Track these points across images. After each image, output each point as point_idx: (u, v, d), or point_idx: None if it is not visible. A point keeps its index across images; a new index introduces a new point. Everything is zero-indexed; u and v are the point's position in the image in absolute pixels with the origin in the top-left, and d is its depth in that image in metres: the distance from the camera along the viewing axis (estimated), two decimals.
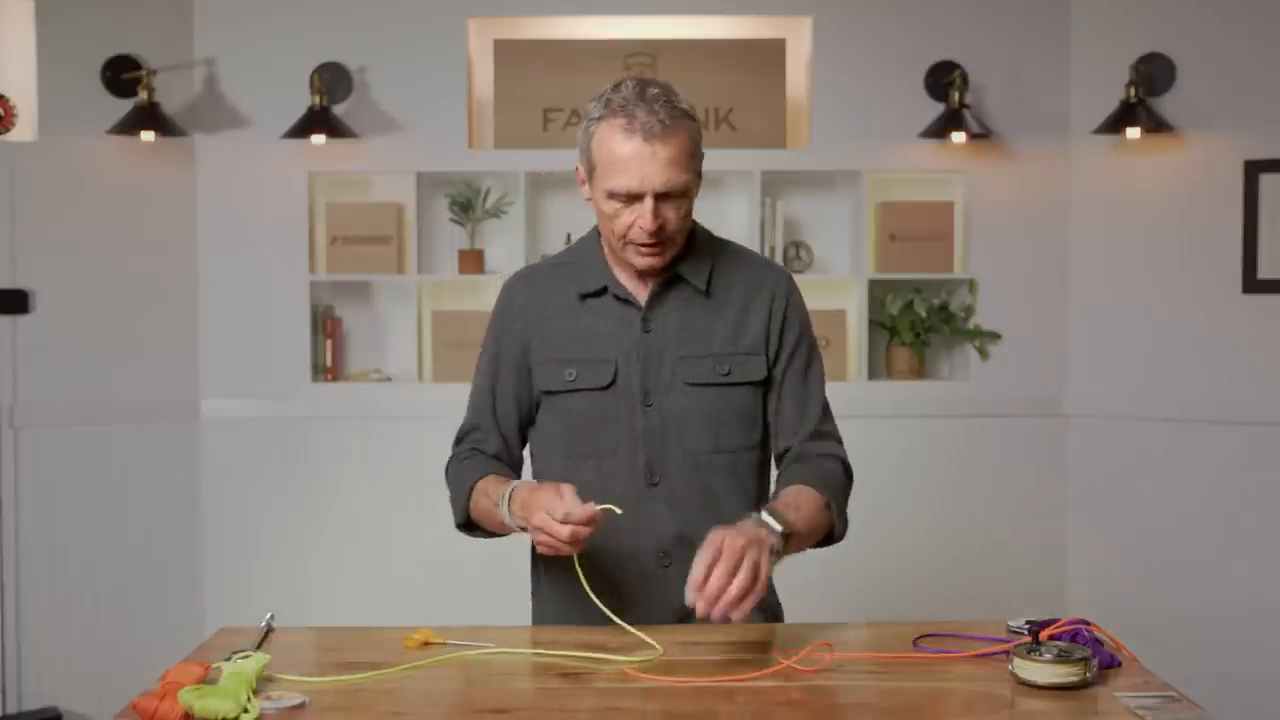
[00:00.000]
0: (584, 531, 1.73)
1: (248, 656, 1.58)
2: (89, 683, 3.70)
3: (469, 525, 2.01)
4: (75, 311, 3.72)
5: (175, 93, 3.84)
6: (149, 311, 3.86)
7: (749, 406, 2.00)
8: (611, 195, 1.88)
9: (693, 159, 1.90)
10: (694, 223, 2.01)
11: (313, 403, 3.95)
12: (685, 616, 1.98)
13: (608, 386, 1.97)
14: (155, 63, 3.78)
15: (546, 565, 2.07)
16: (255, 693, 1.51)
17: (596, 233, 2.05)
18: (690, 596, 1.65)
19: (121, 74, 3.73)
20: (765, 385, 2.01)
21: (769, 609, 2.06)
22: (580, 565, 1.81)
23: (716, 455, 1.98)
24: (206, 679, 1.54)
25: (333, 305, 4.07)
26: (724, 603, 1.64)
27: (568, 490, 1.75)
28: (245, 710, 1.46)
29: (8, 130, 3.55)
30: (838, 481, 1.98)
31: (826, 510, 1.92)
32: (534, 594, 2.13)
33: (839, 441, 2.05)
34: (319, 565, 3.93)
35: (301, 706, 1.51)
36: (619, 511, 1.77)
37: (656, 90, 1.88)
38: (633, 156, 1.84)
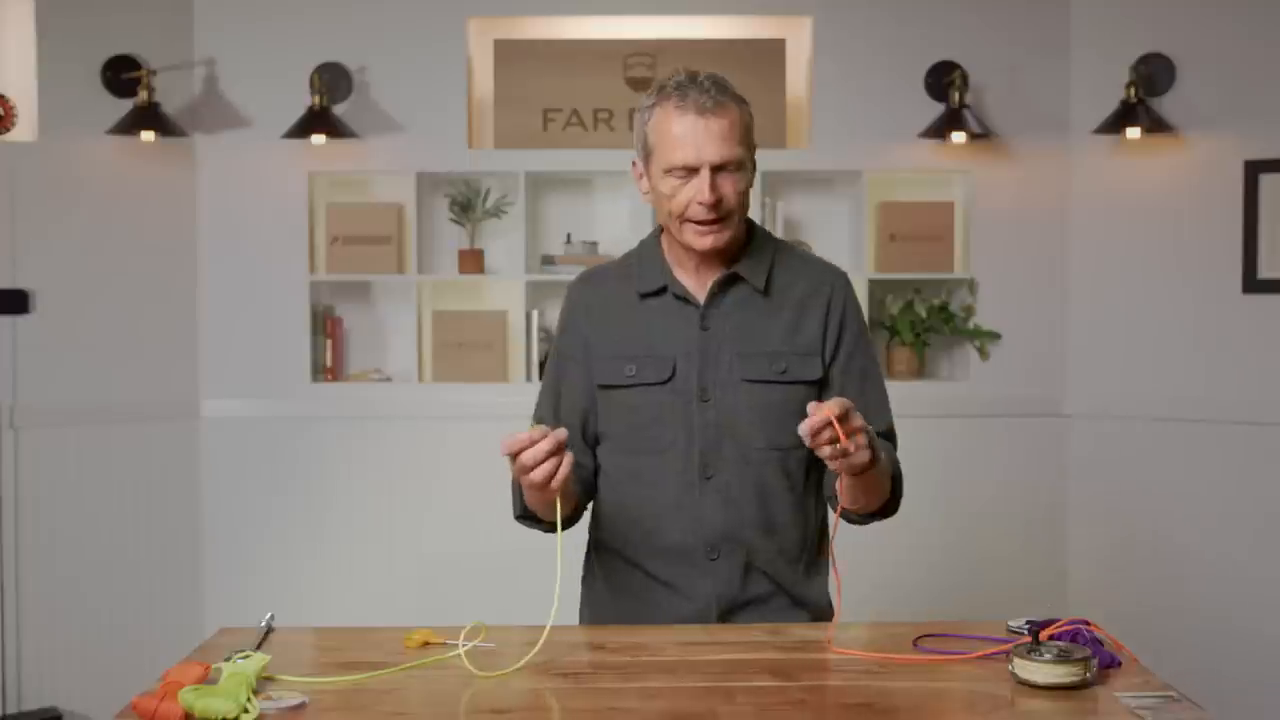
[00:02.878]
0: (542, 449, 1.71)
1: (248, 656, 1.58)
2: (89, 683, 3.70)
3: (530, 516, 2.01)
4: (75, 311, 3.72)
5: (175, 93, 3.84)
6: (149, 311, 3.86)
7: (803, 405, 2.00)
8: (669, 171, 1.95)
9: (746, 136, 1.97)
10: (752, 222, 2.07)
11: (313, 403, 3.95)
12: (727, 609, 2.00)
13: (666, 382, 2.01)
14: (155, 63, 3.78)
15: (595, 569, 2.12)
16: (255, 693, 1.51)
17: (656, 235, 2.10)
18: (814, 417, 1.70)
19: (121, 74, 3.73)
20: (820, 385, 2.03)
21: (815, 611, 2.07)
22: (561, 503, 1.79)
23: (770, 452, 2.00)
24: (206, 679, 1.54)
25: (333, 305, 4.07)
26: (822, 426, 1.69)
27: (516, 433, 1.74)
28: (245, 710, 1.46)
29: (8, 130, 3.55)
30: (897, 466, 2.02)
31: (891, 480, 1.98)
32: (585, 588, 2.17)
33: (896, 447, 2.08)
34: (319, 565, 3.93)
35: (301, 706, 1.51)
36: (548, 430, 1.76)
37: (706, 75, 1.97)
38: (688, 131, 1.92)
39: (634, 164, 2.04)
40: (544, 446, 1.71)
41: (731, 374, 2.00)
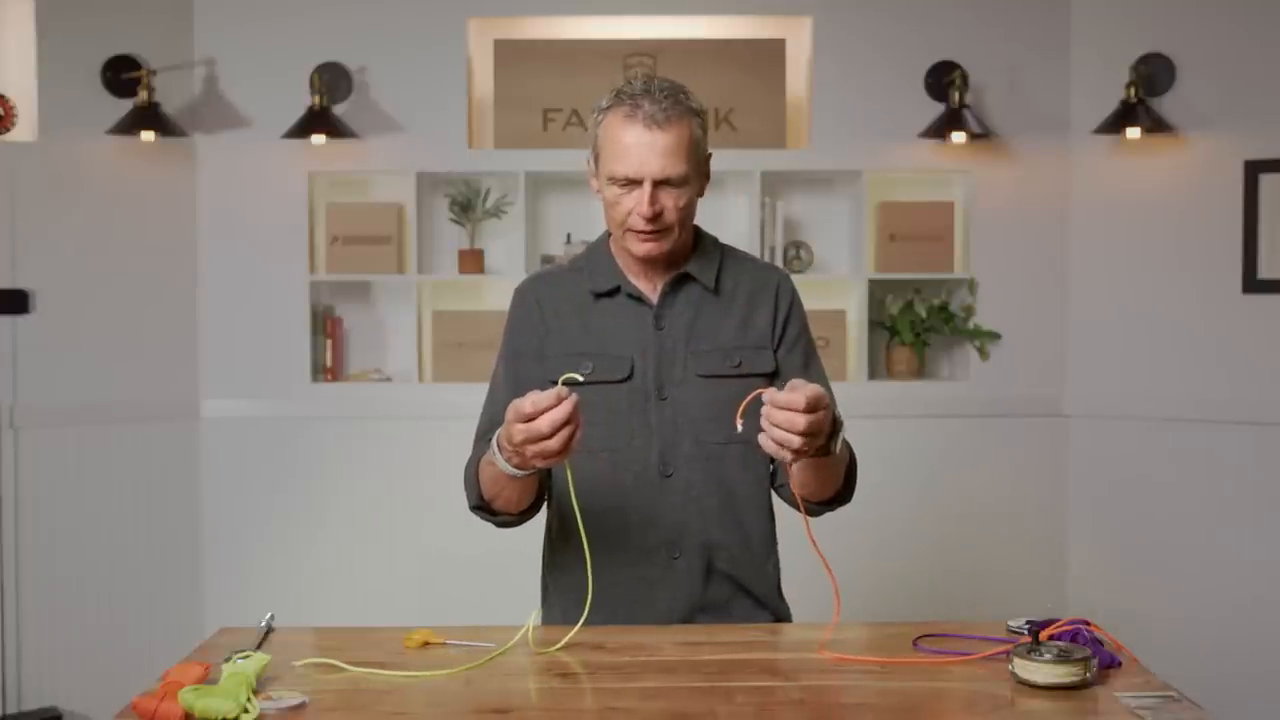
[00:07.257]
0: (561, 415, 1.67)
1: (248, 656, 1.58)
2: (89, 683, 3.70)
3: (485, 507, 1.98)
4: (75, 311, 3.72)
5: (175, 93, 3.83)
6: (149, 311, 3.86)
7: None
8: (612, 180, 1.95)
9: (693, 152, 1.95)
10: (698, 227, 2.08)
11: (313, 403, 3.95)
12: (692, 610, 1.99)
13: (624, 380, 2.00)
14: (155, 63, 3.78)
15: (555, 572, 2.09)
16: (255, 693, 1.51)
17: (605, 237, 2.10)
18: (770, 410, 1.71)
19: (121, 74, 3.73)
20: (773, 378, 2.04)
21: (775, 611, 2.07)
22: (572, 486, 1.79)
23: (730, 446, 2.00)
24: (206, 679, 1.54)
25: (333, 305, 4.07)
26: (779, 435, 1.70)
27: (532, 393, 1.71)
28: (245, 710, 1.46)
29: (8, 130, 3.55)
30: (852, 454, 2.00)
31: (847, 467, 1.97)
32: (543, 600, 2.14)
33: None
34: (319, 565, 3.93)
35: (301, 706, 1.51)
36: (580, 378, 1.73)
37: (664, 84, 1.96)
38: (633, 143, 1.92)
39: (588, 162, 2.04)
40: (565, 410, 1.68)
41: (687, 371, 2.01)
